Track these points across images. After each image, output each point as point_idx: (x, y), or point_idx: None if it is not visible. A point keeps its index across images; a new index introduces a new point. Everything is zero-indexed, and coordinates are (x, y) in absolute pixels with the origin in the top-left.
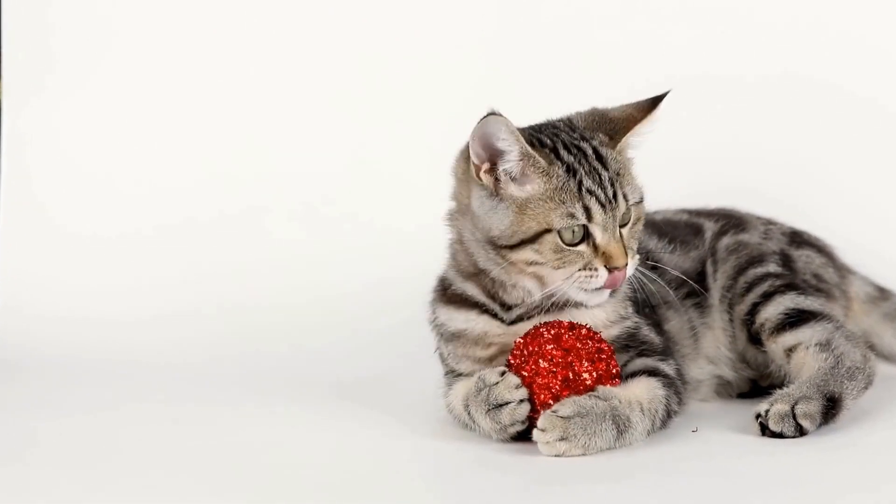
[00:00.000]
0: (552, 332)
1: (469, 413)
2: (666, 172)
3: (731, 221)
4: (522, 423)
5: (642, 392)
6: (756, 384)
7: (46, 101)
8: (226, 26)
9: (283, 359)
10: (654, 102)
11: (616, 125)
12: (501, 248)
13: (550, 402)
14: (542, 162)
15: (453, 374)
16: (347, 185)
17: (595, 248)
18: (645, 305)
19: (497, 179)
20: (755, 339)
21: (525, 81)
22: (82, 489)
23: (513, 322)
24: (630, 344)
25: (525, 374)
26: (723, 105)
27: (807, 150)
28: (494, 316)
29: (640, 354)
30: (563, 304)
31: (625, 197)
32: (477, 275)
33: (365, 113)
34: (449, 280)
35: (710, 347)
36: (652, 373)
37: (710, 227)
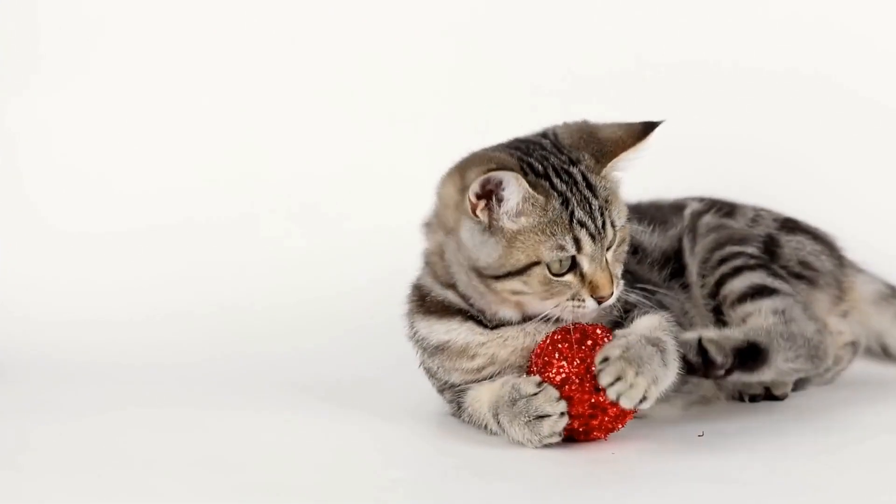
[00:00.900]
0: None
1: (498, 421)
2: (666, 166)
3: (719, 205)
4: (560, 434)
5: (649, 321)
6: (768, 390)
7: (34, 98)
8: (220, 22)
9: (278, 359)
10: (647, 129)
11: (604, 147)
12: (487, 277)
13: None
14: (541, 199)
15: (450, 387)
16: (342, 185)
17: (582, 277)
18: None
19: (492, 215)
20: (717, 311)
21: (521, 79)
22: (75, 493)
23: (496, 326)
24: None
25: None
26: (724, 98)
27: (812, 147)
28: (479, 322)
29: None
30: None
31: (612, 224)
32: (455, 286)
33: (358, 113)
34: (427, 288)
35: (700, 326)
36: (647, 314)
37: (694, 206)
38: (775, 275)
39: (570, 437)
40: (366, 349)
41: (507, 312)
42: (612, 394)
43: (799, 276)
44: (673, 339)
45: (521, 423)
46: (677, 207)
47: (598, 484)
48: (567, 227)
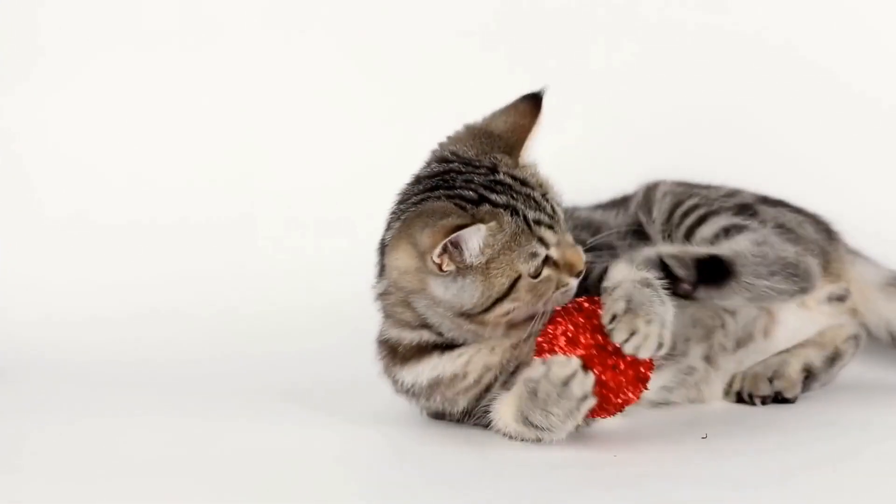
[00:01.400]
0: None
1: (529, 421)
2: (648, 151)
3: (692, 184)
4: (593, 396)
5: (624, 266)
6: (779, 393)
7: (32, 96)
8: (221, 22)
9: (277, 360)
10: (536, 104)
11: (507, 140)
12: (476, 315)
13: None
14: (494, 224)
15: (467, 414)
16: (339, 189)
17: (556, 265)
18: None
19: (458, 261)
20: None
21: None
22: (71, 496)
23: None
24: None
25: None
26: (712, 84)
27: (814, 134)
28: (452, 346)
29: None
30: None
31: (559, 203)
32: (428, 324)
33: (355, 115)
34: (395, 339)
35: None
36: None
37: (653, 186)
38: (748, 219)
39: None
40: (361, 352)
41: (498, 332)
42: (629, 349)
43: (778, 234)
44: (655, 274)
45: (553, 403)
46: (644, 188)
47: (601, 485)
48: (529, 233)
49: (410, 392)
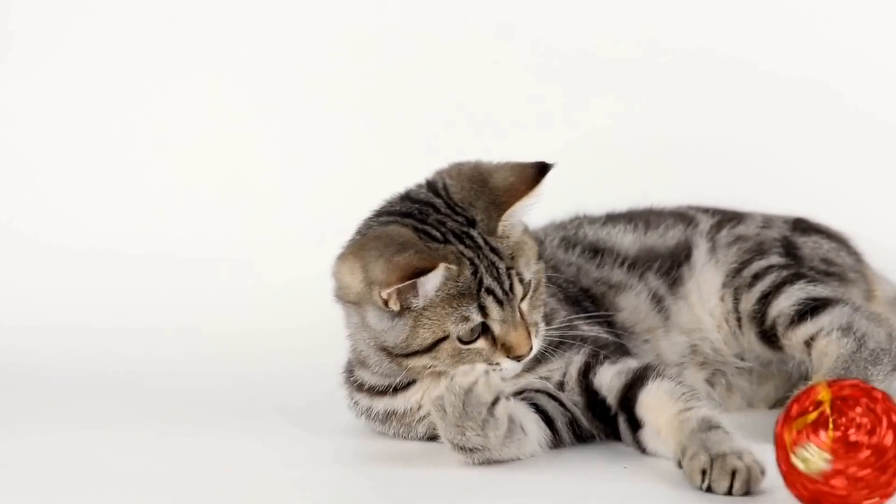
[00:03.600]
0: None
1: (455, 444)
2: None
3: (727, 215)
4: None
5: (660, 392)
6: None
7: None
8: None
9: (261, 376)
10: (540, 173)
11: (497, 197)
12: (396, 356)
13: None
14: (455, 269)
15: (429, 438)
16: (337, 199)
17: (494, 340)
18: (584, 299)
19: (404, 303)
20: (768, 338)
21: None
22: None
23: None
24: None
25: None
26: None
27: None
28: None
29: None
30: None
31: (520, 279)
32: (367, 364)
33: (349, 129)
34: (350, 365)
35: (685, 318)
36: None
37: (704, 220)
38: (813, 280)
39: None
40: None
41: (427, 381)
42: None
43: (828, 274)
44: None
45: (464, 422)
46: (682, 218)
47: (610, 499)
48: (474, 296)
49: (367, 413)
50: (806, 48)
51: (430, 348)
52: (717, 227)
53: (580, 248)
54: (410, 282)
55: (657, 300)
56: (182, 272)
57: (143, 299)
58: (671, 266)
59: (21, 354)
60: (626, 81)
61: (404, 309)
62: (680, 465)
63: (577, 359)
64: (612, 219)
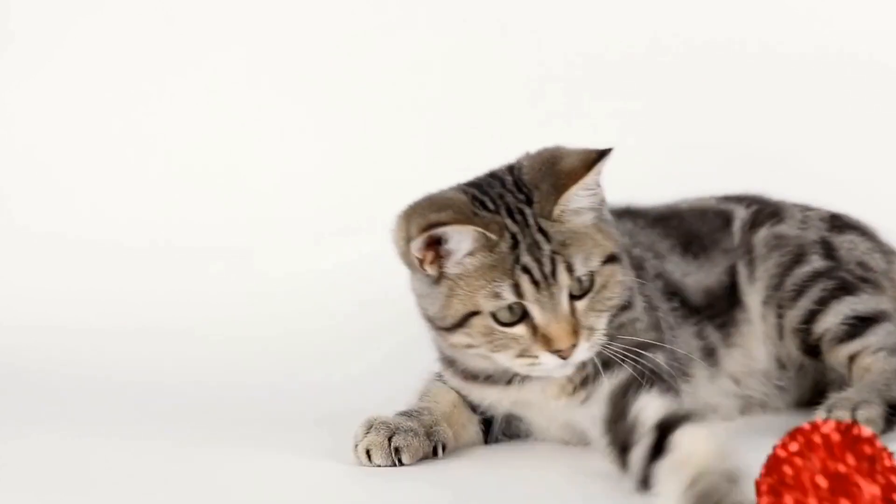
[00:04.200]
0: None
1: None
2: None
3: (766, 209)
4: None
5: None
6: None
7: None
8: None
9: (268, 384)
10: (595, 160)
11: (558, 180)
12: (439, 328)
13: None
14: (494, 238)
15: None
16: (337, 200)
17: (534, 329)
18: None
19: (441, 267)
20: (812, 351)
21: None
22: None
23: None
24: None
25: None
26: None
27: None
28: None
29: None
30: None
31: (569, 268)
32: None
33: (352, 131)
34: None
35: (737, 365)
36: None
37: (740, 216)
38: (855, 288)
39: None
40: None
41: (480, 363)
42: None
43: (864, 280)
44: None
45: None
46: (724, 218)
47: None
48: (509, 271)
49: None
50: (815, 39)
51: (463, 322)
52: (754, 225)
53: (663, 282)
54: (431, 235)
55: (708, 351)
56: (182, 272)
57: (144, 299)
58: (724, 309)
59: (21, 354)
60: (626, 81)
61: (442, 276)
62: None
63: (621, 374)
64: (665, 233)
